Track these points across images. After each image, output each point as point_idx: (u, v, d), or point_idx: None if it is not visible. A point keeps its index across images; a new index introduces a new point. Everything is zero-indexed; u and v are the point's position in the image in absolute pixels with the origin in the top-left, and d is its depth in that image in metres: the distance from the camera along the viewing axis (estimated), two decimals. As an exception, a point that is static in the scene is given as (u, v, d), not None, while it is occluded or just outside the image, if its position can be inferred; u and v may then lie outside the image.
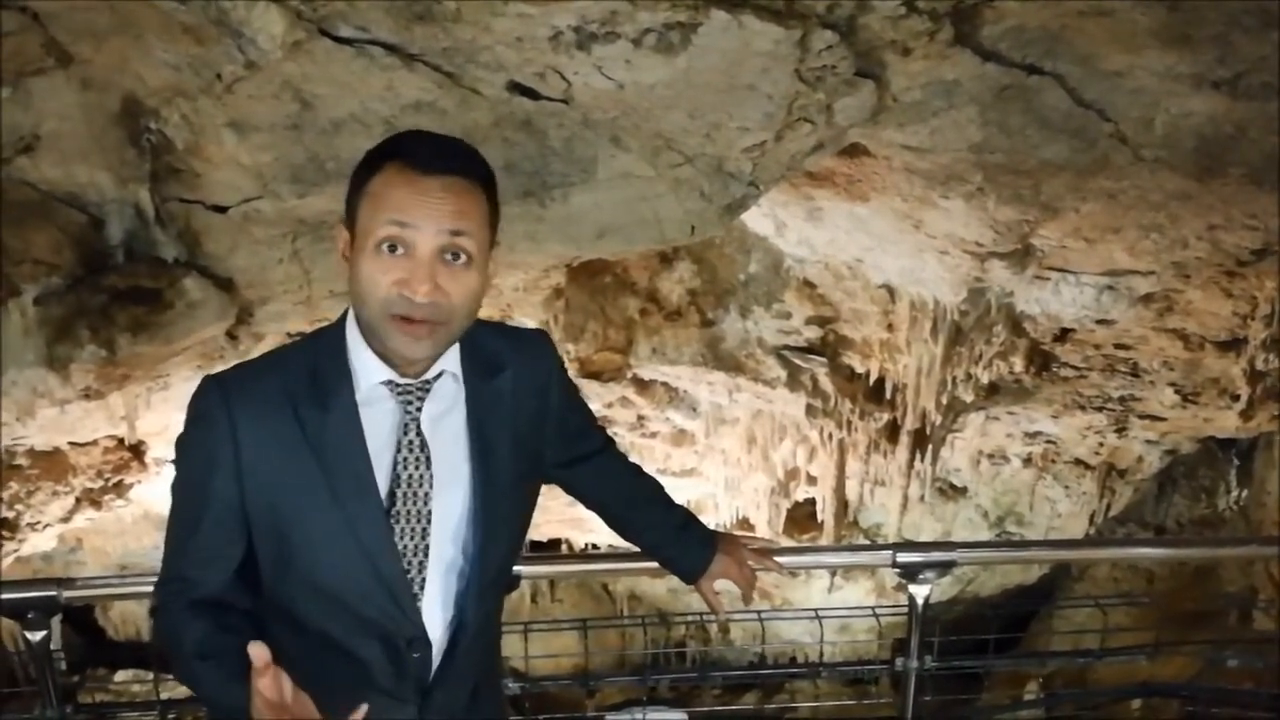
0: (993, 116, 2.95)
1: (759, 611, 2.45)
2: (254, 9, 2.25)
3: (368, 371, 1.47)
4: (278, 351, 1.57)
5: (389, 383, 1.48)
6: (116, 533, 6.76)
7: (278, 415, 1.44)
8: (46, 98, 2.63)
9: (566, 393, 1.79)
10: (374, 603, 1.51)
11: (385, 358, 1.47)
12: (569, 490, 1.92)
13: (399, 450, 1.50)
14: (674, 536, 1.95)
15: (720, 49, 2.42)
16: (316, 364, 1.48)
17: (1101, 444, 6.75)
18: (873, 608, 2.54)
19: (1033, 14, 2.53)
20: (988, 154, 3.15)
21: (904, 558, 2.21)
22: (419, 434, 1.51)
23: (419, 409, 1.51)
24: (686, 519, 1.97)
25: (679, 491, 7.20)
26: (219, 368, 3.85)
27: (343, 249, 1.44)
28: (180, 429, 1.50)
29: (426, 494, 1.52)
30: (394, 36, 2.40)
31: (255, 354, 4.04)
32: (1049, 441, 6.79)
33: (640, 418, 6.30)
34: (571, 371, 5.40)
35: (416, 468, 1.51)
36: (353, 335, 1.48)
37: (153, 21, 2.34)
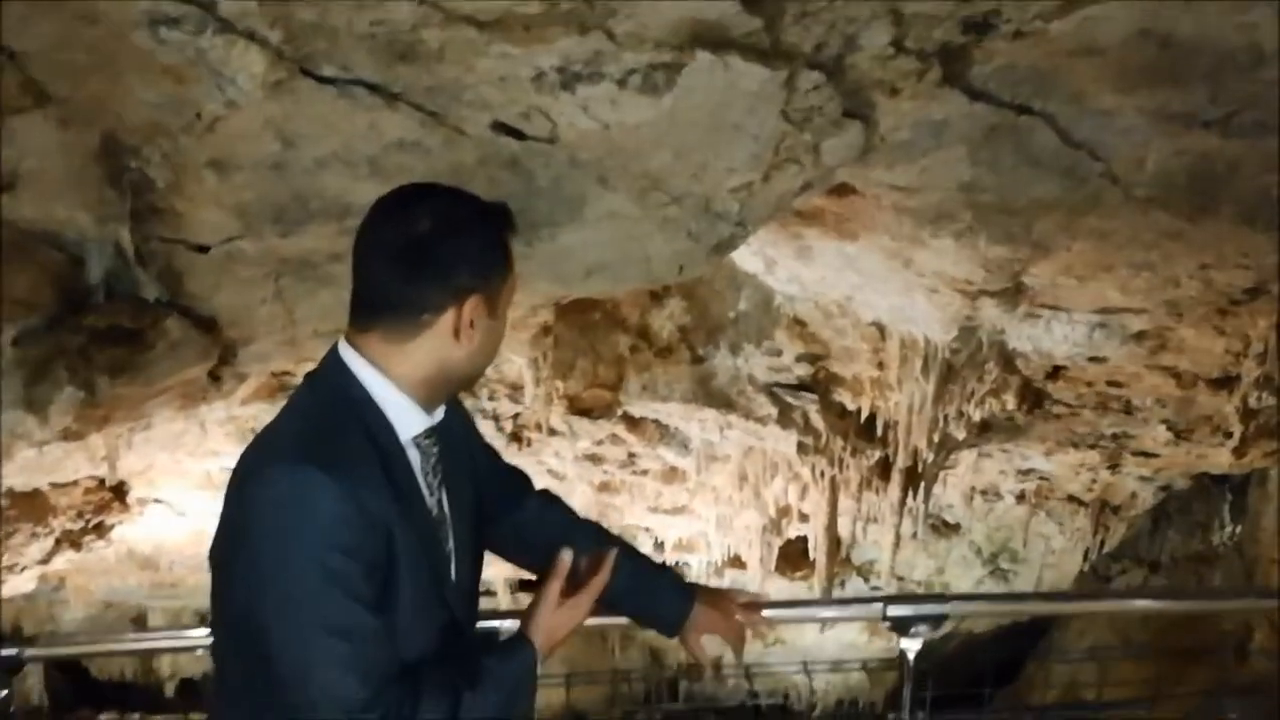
0: (982, 156, 2.93)
1: (748, 666, 2.39)
2: (233, 49, 2.21)
3: (409, 423, 1.46)
4: (318, 420, 1.46)
5: (429, 428, 1.49)
6: (100, 571, 6.70)
7: (375, 483, 1.40)
8: (25, 137, 2.59)
9: (475, 426, 1.80)
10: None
11: (428, 405, 1.48)
12: (513, 545, 1.83)
13: (431, 493, 1.50)
14: (647, 583, 1.85)
15: (705, 90, 2.39)
16: (363, 424, 1.44)
17: (1095, 480, 6.75)
18: (864, 661, 2.47)
19: (1022, 53, 2.51)
20: (978, 193, 3.13)
21: (895, 611, 2.15)
22: (446, 474, 1.53)
23: (435, 449, 1.52)
24: (658, 566, 1.90)
25: (670, 529, 7.16)
26: (202, 409, 3.77)
27: (470, 320, 1.44)
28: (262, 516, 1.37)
29: (447, 533, 1.54)
30: (376, 76, 2.37)
31: (239, 394, 4.00)
32: (1042, 478, 6.78)
33: (631, 455, 6.26)
34: (561, 408, 5.36)
35: (445, 509, 1.53)
36: (384, 390, 1.44)
37: (131, 61, 2.30)
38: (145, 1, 2.10)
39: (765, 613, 1.97)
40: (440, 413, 1.51)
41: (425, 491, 1.48)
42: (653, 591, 1.85)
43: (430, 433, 1.49)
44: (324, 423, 1.43)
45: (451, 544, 1.52)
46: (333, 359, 1.47)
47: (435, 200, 1.46)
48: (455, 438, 1.57)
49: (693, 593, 1.87)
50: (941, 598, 2.25)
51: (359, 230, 1.45)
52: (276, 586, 1.33)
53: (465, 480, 1.58)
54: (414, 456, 1.47)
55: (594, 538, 1.79)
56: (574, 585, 1.57)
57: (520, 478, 1.88)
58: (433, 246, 1.40)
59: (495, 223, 1.48)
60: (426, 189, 1.51)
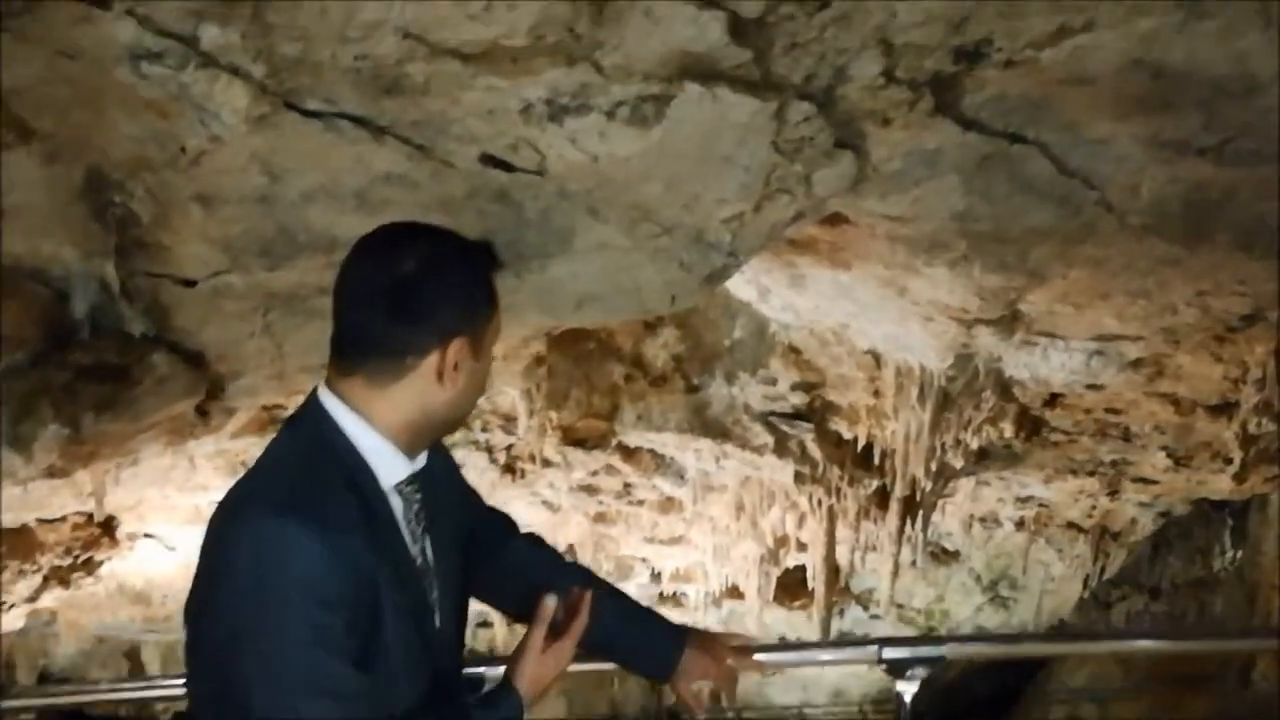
0: (976, 185, 2.90)
1: (740, 710, 2.33)
2: (216, 84, 2.18)
3: (391, 470, 1.42)
4: (298, 468, 1.41)
5: (411, 474, 1.44)
6: (91, 607, 6.64)
7: (357, 534, 1.35)
8: (10, 172, 2.57)
9: (459, 470, 1.74)
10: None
11: (411, 451, 1.43)
12: (498, 591, 1.77)
13: (414, 542, 1.45)
14: (633, 627, 1.79)
15: (695, 121, 2.37)
16: (345, 471, 1.39)
17: (1094, 507, 6.71)
18: (860, 706, 2.41)
19: (1014, 82, 2.49)
20: (971, 222, 3.10)
21: (890, 654, 2.09)
22: (430, 521, 1.48)
23: (419, 496, 1.46)
24: (644, 609, 1.84)
25: (667, 559, 7.11)
26: (190, 444, 3.72)
27: (454, 363, 1.39)
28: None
29: (431, 582, 1.49)
30: (362, 109, 2.34)
31: (228, 428, 3.95)
32: (1041, 505, 6.75)
33: (627, 485, 6.22)
34: (555, 439, 5.32)
35: (428, 557, 1.48)
36: (366, 437, 1.40)
37: (113, 96, 2.28)
38: (126, 36, 2.08)
39: (758, 656, 1.91)
40: (423, 458, 1.47)
41: (408, 540, 1.43)
42: (642, 637, 1.79)
43: (413, 479, 1.45)
44: (304, 471, 1.38)
45: (436, 593, 1.47)
46: (313, 404, 1.43)
47: (418, 240, 1.42)
48: (438, 482, 1.53)
49: (683, 637, 1.81)
50: (939, 639, 2.20)
51: (339, 272, 1.41)
52: (257, 644, 1.27)
53: (449, 527, 1.53)
54: (396, 504, 1.43)
55: (581, 582, 1.72)
56: (557, 631, 1.53)
57: (504, 521, 1.83)
58: (416, 288, 1.36)
59: (479, 262, 1.45)
60: (408, 229, 1.47)
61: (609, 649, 1.78)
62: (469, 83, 2.23)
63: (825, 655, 2.20)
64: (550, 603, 1.51)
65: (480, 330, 1.43)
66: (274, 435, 1.49)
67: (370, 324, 1.38)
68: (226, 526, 1.34)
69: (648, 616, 1.83)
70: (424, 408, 1.40)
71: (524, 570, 1.74)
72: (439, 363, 1.38)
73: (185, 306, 3.00)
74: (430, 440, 1.47)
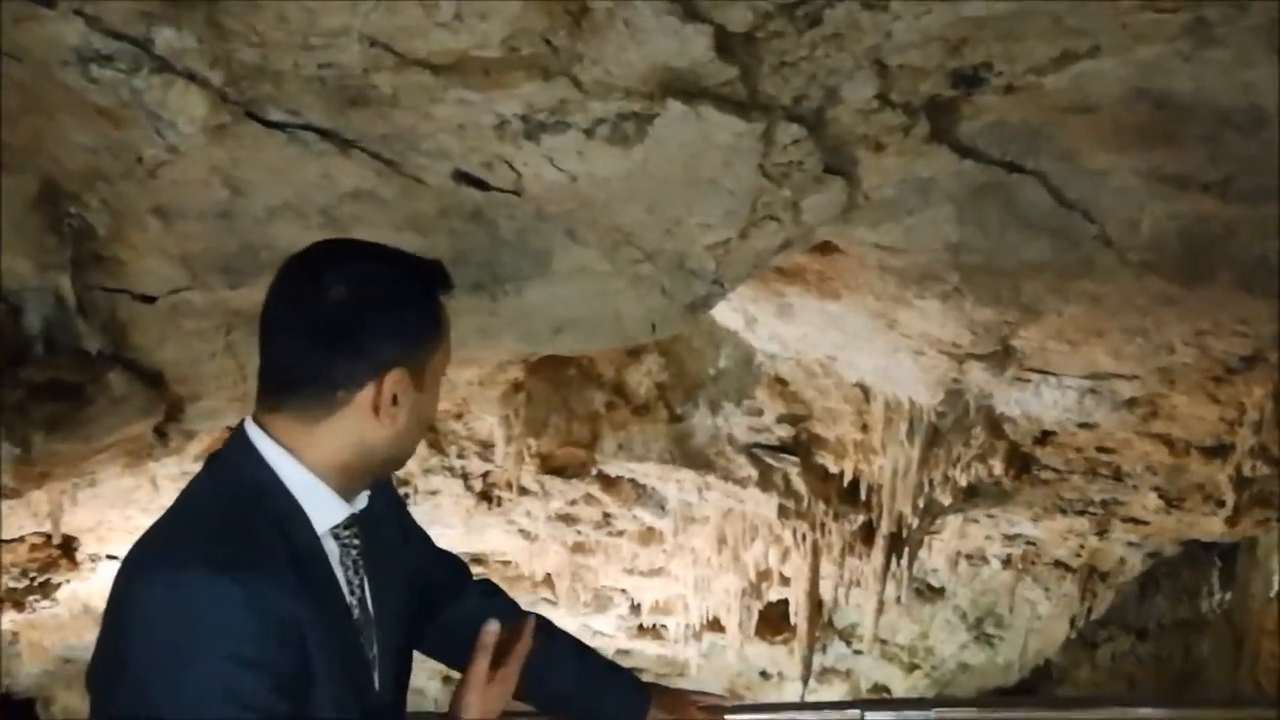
0: (970, 215, 2.81)
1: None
2: (171, 90, 2.07)
3: (325, 513, 1.28)
4: (218, 512, 1.26)
5: (349, 517, 1.31)
6: (55, 628, 6.47)
7: (285, 585, 1.21)
8: (-40, 182, 2.45)
9: (407, 509, 1.61)
10: None
11: (347, 491, 1.30)
12: (451, 644, 1.62)
13: (351, 592, 1.32)
14: (596, 684, 1.66)
15: (678, 141, 2.26)
16: (273, 514, 1.25)
17: (1082, 546, 6.65)
18: (845, 773, 2.27)
19: (1013, 109, 2.39)
20: (965, 254, 3.01)
21: (874, 717, 1.97)
22: (369, 568, 1.34)
23: (357, 541, 1.33)
24: (609, 664, 1.71)
25: (647, 591, 6.98)
26: (150, 465, 3.56)
27: (393, 396, 1.26)
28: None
29: (370, 637, 1.35)
30: (327, 121, 2.23)
31: (191, 450, 3.82)
32: (1029, 543, 6.66)
33: (606, 515, 6.10)
34: (533, 468, 5.20)
35: (368, 609, 1.35)
36: (297, 476, 1.26)
37: (65, 102, 2.17)
38: (73, 37, 1.96)
39: (731, 716, 1.80)
40: (363, 499, 1.33)
41: (345, 591, 1.29)
42: (605, 695, 1.66)
43: (351, 523, 1.31)
44: (225, 515, 1.23)
45: (375, 649, 1.33)
46: (239, 439, 1.29)
47: (351, 261, 1.28)
48: (380, 525, 1.38)
49: (648, 695, 1.68)
50: (924, 703, 2.08)
51: (266, 297, 1.28)
52: (170, 715, 1.13)
53: (392, 574, 1.39)
54: (331, 550, 1.28)
55: (541, 633, 1.60)
56: (497, 661, 1.37)
57: (457, 566, 1.70)
58: (345, 316, 1.22)
59: (422, 286, 1.30)
60: (342, 247, 1.34)
61: (569, 706, 1.65)
62: (440, 95, 2.12)
63: (803, 717, 2.07)
64: (493, 628, 1.35)
65: (423, 360, 1.29)
66: (189, 481, 1.34)
67: (295, 355, 1.24)
68: (136, 582, 1.19)
69: (612, 673, 1.70)
70: (360, 445, 1.26)
71: (476, 622, 1.59)
72: (374, 397, 1.24)
73: (143, 323, 2.88)
74: (369, 480, 1.33)
